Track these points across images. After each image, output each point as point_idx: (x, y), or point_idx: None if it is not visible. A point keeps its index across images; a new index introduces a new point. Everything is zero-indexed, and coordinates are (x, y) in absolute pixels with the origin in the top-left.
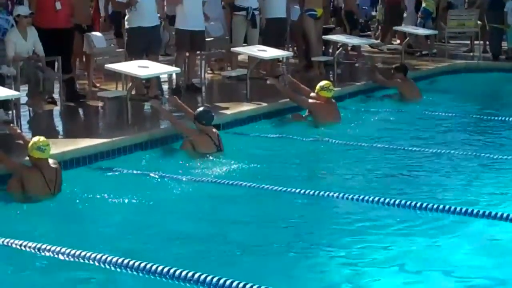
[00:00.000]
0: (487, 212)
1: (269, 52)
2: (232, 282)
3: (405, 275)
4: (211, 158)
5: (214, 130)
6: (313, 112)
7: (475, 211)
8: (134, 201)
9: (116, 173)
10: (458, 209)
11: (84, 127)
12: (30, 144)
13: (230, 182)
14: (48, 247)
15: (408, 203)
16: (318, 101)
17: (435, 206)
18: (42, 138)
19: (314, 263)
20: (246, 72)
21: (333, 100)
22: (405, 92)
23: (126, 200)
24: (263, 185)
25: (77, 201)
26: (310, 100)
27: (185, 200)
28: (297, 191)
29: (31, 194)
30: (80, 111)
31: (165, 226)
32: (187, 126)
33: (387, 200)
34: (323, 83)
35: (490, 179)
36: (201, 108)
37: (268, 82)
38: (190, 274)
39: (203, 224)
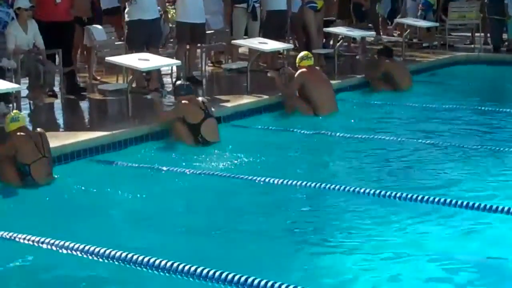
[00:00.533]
0: (499, 207)
1: (270, 45)
2: (234, 276)
3: (408, 266)
4: (211, 150)
5: (198, 98)
6: (303, 88)
7: (482, 205)
8: (135, 194)
9: (117, 166)
10: (456, 202)
11: (84, 120)
12: (5, 124)
13: (231, 175)
14: (46, 240)
15: (414, 196)
16: (303, 70)
17: (441, 200)
18: (12, 112)
19: (317, 256)
20: (247, 65)
21: (317, 68)
22: (396, 75)
23: (127, 193)
24: (263, 178)
25: (77, 193)
26: (296, 75)
27: (185, 192)
28: (298, 183)
29: (24, 161)
30: (81, 104)
31: (165, 218)
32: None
33: (389, 193)
34: (301, 54)
35: (495, 171)
36: (177, 82)
37: (268, 74)
38: (193, 268)
39: (204, 217)
